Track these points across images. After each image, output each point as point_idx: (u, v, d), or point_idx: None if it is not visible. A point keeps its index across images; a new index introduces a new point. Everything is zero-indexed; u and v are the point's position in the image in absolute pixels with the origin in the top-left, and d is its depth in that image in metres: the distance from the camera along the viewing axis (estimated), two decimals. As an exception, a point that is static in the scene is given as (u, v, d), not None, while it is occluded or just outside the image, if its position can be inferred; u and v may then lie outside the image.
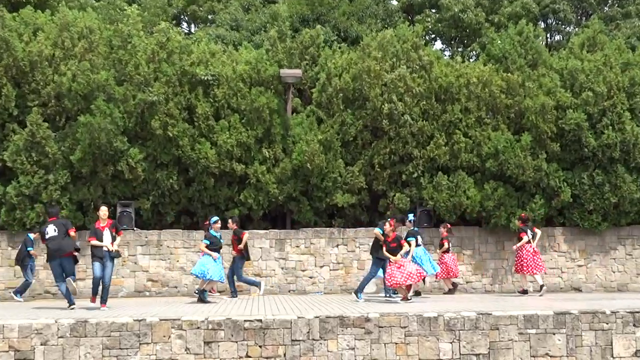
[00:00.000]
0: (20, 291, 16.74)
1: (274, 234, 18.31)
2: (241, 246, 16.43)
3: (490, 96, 18.92)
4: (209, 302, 15.00)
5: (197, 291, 15.39)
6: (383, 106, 18.42)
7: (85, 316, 12.24)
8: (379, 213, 18.94)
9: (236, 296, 16.61)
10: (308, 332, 12.00)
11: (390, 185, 18.84)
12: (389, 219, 15.10)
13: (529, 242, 16.91)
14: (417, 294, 17.09)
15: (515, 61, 19.56)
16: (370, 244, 18.25)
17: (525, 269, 16.86)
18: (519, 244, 16.93)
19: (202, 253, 15.53)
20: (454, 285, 17.71)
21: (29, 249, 16.74)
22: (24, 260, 16.69)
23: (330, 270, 18.29)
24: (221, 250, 15.78)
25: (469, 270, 18.75)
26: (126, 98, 17.93)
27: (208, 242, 15.38)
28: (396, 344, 12.13)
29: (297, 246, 18.27)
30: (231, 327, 11.91)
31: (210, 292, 16.19)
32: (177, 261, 17.97)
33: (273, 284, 18.07)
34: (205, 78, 18.49)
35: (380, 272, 15.29)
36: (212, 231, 15.65)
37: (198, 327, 11.88)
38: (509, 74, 19.16)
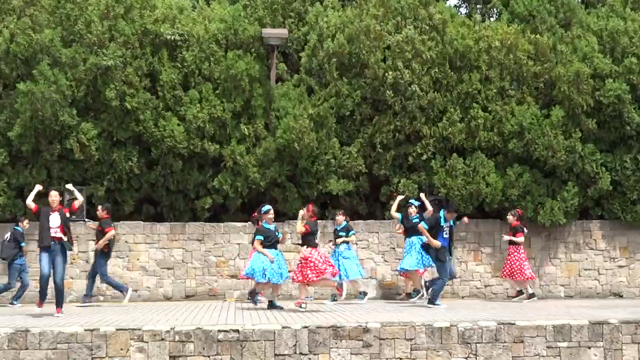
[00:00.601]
0: (19, 296, 16.92)
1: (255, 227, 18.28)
2: (101, 243, 16.21)
3: (515, 63, 18.93)
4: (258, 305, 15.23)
5: (249, 297, 15.44)
6: (386, 74, 18.40)
7: (26, 325, 12.21)
8: (380, 203, 18.94)
9: (88, 300, 16.37)
10: (295, 345, 12.02)
11: (394, 169, 18.86)
12: (307, 204, 15.66)
13: (520, 243, 17.60)
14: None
15: (545, 20, 19.56)
16: (372, 239, 18.35)
17: (515, 274, 17.41)
18: (516, 239, 17.50)
19: (253, 251, 15.43)
20: (410, 294, 17.81)
21: (22, 244, 16.90)
22: (12, 260, 16.81)
23: (321, 271, 18.29)
24: (279, 246, 15.67)
25: (488, 271, 18.80)
26: (75, 62, 17.84)
27: (262, 238, 15.19)
28: (400, 359, 12.16)
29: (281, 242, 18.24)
30: (202, 339, 11.90)
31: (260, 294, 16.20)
32: (137, 259, 17.98)
33: (252, 287, 18.03)
34: (172, 39, 18.39)
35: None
36: (264, 223, 15.42)
37: (162, 339, 11.87)
38: (537, 36, 19.16)
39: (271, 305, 15.17)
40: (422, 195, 17.05)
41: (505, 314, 13.82)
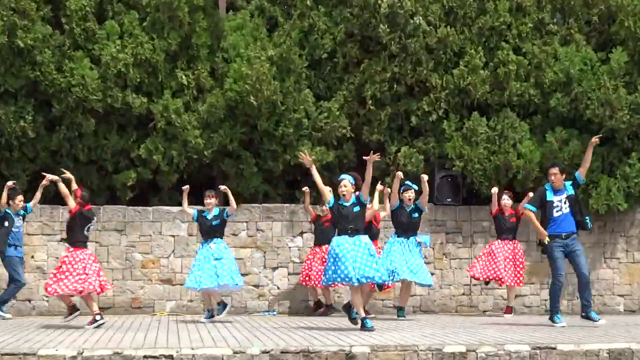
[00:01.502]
0: (5, 300, 17.05)
1: (196, 213, 18.26)
2: None
3: (560, -13, 19.02)
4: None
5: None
6: (379, 2, 18.33)
7: None
8: (373, 178, 18.82)
9: None
10: (250, 377, 11.94)
11: (391, 133, 18.99)
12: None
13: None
14: None
15: None
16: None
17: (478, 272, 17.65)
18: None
19: None
20: (320, 303, 17.90)
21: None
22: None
23: (289, 274, 18.42)
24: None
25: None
26: (-54, -18, 17.75)
27: (334, 219, 14.87)
28: (397, 396, 12.12)
29: (234, 234, 18.27)
30: (121, 368, 11.80)
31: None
32: (32, 257, 17.95)
33: (193, 297, 17.97)
34: (81, -51, 18.32)
35: None
36: (341, 201, 14.58)
37: (65, 367, 11.76)
38: (591, -49, 19.23)
39: (362, 326, 14.52)
40: (424, 177, 16.59)
41: (542, 334, 13.83)
